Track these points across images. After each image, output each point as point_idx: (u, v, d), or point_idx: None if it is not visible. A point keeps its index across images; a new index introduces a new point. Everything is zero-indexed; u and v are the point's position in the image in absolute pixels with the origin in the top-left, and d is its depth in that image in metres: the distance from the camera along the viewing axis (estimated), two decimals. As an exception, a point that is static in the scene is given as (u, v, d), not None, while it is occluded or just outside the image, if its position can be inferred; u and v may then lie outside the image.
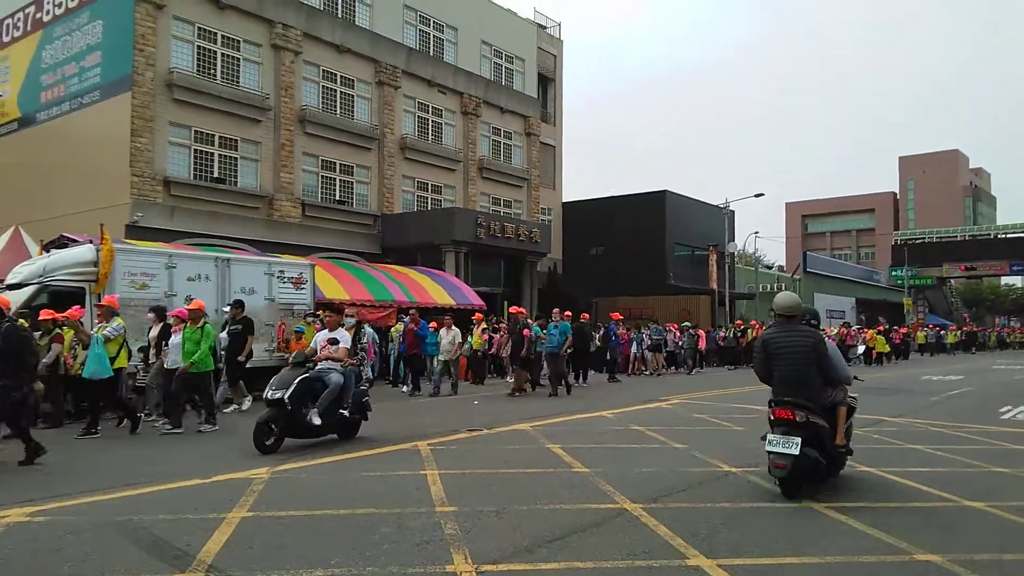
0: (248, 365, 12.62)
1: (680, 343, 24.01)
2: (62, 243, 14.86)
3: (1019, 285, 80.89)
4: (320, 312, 14.00)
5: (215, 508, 5.76)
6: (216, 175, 22.79)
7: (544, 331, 16.28)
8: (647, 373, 21.68)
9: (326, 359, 8.98)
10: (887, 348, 32.18)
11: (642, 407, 13.31)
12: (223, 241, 21.94)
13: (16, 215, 21.11)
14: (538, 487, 6.72)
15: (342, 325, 9.53)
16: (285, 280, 14.50)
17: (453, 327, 15.93)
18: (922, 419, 11.97)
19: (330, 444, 8.88)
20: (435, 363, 16.07)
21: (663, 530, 5.29)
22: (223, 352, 12.05)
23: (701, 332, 25.90)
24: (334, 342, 9.08)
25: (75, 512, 5.68)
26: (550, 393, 15.44)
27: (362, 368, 9.55)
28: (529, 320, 18.02)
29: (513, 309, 16.70)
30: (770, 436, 6.48)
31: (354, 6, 27.64)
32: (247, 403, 12.51)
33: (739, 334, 28.88)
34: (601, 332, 19.87)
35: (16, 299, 11.08)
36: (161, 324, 11.21)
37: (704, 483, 6.96)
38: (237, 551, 4.75)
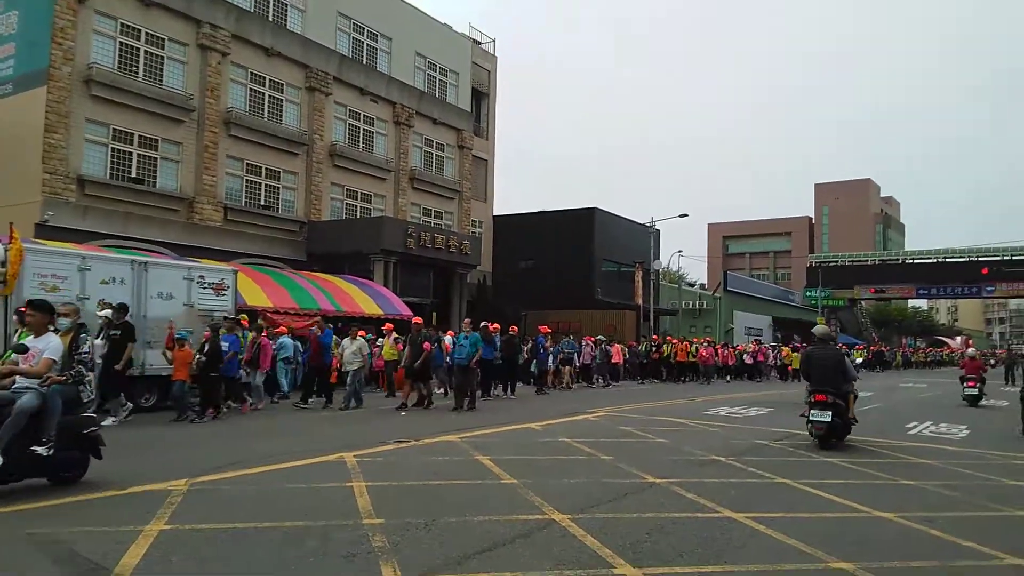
0: (136, 373, 12.50)
1: (594, 356, 24.27)
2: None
3: (924, 308, 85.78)
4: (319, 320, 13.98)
5: (131, 521, 5.50)
6: (134, 175, 21.93)
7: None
8: (561, 386, 21.72)
9: (14, 375, 6.71)
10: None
11: (569, 419, 13.46)
12: (139, 243, 21.13)
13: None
14: (467, 498, 6.71)
15: (52, 328, 7.07)
16: (206, 286, 14.03)
17: (358, 337, 15.50)
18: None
19: (252, 456, 8.62)
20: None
21: (591, 540, 5.36)
22: (99, 360, 11.25)
23: (616, 347, 26.27)
24: (21, 350, 6.84)
25: (-25, 526, 5.34)
26: (453, 407, 14.77)
27: (82, 388, 7.17)
28: (430, 331, 17.88)
29: (415, 320, 16.15)
30: (811, 411, 10.44)
31: (286, 10, 27.19)
32: (124, 413, 11.88)
33: (653, 349, 29.38)
34: (529, 345, 19.99)
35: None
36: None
37: (630, 494, 7.08)
38: (155, 566, 4.56)
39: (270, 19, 26.43)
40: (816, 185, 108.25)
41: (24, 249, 11.36)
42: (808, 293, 65.73)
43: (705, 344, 29.76)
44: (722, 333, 46.87)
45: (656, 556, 5.05)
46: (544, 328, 20.63)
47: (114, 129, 21.54)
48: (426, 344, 14.92)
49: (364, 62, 30.12)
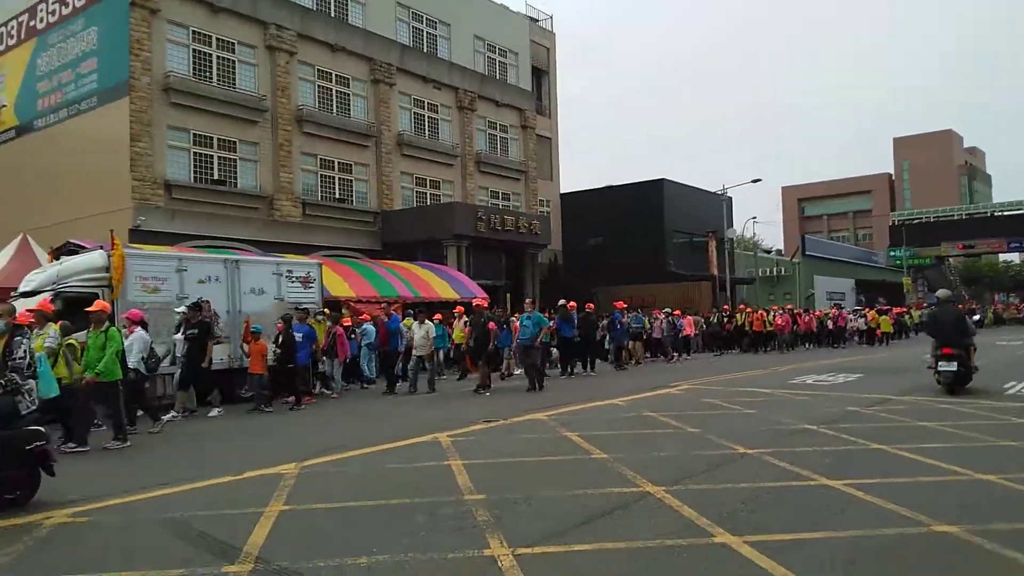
0: (235, 366, 12.97)
1: (662, 330, 23.77)
2: (69, 249, 14.94)
3: (1017, 262, 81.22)
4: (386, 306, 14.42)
5: (252, 503, 5.92)
6: (216, 177, 22.88)
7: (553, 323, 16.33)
8: (631, 362, 21.31)
9: None
10: (891, 328, 32.35)
11: (652, 394, 13.50)
12: (224, 242, 22.05)
13: (20, 223, 21.15)
14: (561, 474, 6.89)
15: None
16: (293, 280, 14.63)
17: (427, 321, 15.34)
18: (927, 396, 12.15)
19: (352, 440, 9.04)
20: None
21: (687, 511, 5.45)
22: (182, 357, 11.74)
23: (688, 319, 25.58)
24: None
25: (114, 511, 5.84)
26: (528, 387, 14.66)
27: (19, 398, 6.49)
28: (497, 311, 17.85)
29: (476, 302, 16.02)
30: (939, 363, 12.29)
31: (347, 5, 27.67)
32: (215, 409, 12.19)
33: (725, 319, 28.47)
34: (606, 321, 19.98)
35: (30, 306, 11.17)
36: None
37: (722, 465, 7.13)
38: (280, 543, 4.91)
39: (332, 15, 26.97)
40: (895, 139, 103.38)
41: (125, 254, 12.09)
42: (892, 253, 63.16)
43: (780, 312, 28.87)
44: (802, 299, 45.62)
45: (754, 525, 5.11)
46: (620, 304, 20.58)
47: (194, 134, 22.49)
48: (491, 324, 14.83)
49: (425, 50, 30.42)
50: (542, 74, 38.00)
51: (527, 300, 16.22)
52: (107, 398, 9.17)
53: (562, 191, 38.66)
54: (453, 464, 7.29)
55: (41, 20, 24.73)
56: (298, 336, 13.09)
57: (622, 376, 18.11)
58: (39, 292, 11.98)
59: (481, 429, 9.64)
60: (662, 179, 37.46)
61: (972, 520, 5.06)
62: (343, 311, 17.61)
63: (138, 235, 20.10)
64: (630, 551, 4.63)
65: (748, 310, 28.93)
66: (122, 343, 9.38)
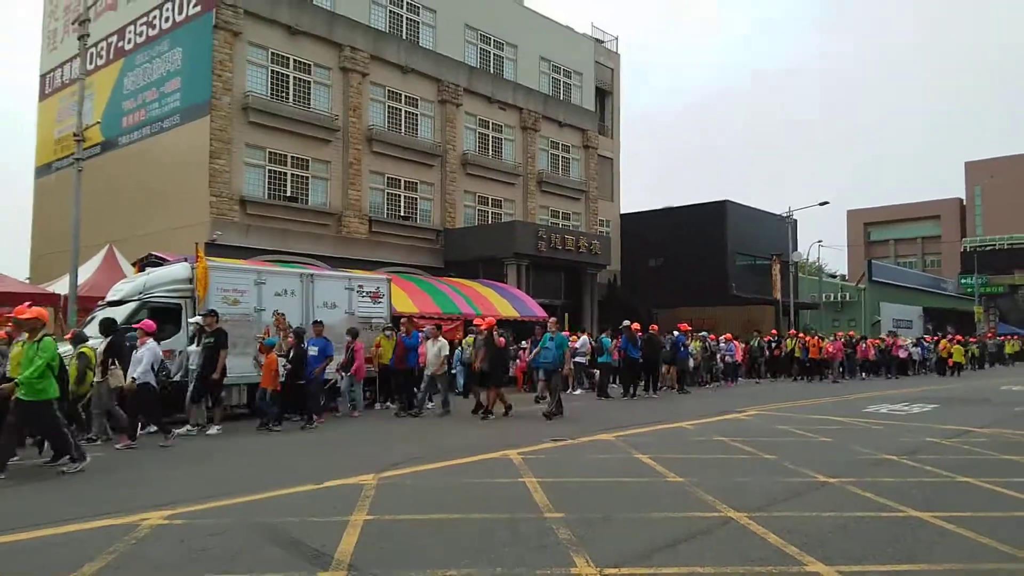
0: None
1: (726, 353, 22.95)
2: (151, 261, 15.61)
3: (1098, 292, 77.15)
4: (405, 322, 14.39)
5: (337, 511, 6.06)
6: (289, 194, 23.60)
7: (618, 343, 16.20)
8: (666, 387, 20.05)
9: None
10: (963, 359, 31.11)
11: (719, 418, 13.30)
12: (295, 257, 22.67)
13: (106, 234, 22.20)
14: (638, 495, 6.86)
15: None
16: (364, 294, 14.96)
17: (440, 338, 14.12)
18: (1011, 429, 11.66)
19: (427, 452, 9.17)
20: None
21: (773, 538, 5.37)
22: (194, 368, 11.34)
23: (737, 344, 24.36)
24: None
25: (208, 515, 6.05)
26: (547, 411, 13.33)
27: None
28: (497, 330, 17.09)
29: (478, 320, 14.59)
30: None
31: (418, 28, 28.33)
32: (214, 429, 11.30)
33: (774, 345, 27.12)
34: (669, 343, 19.76)
35: (118, 315, 11.73)
36: (107, 340, 10.31)
37: (803, 493, 6.99)
38: (369, 551, 5.03)
39: (404, 37, 27.64)
40: (967, 163, 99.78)
41: (209, 267, 12.57)
42: (963, 280, 60.84)
43: (833, 338, 27.58)
44: (868, 326, 44.27)
45: (846, 554, 5.00)
46: (683, 326, 20.37)
47: (270, 152, 23.28)
48: (501, 340, 13.81)
49: (491, 71, 30.88)
50: (606, 94, 38.12)
51: (551, 320, 15.01)
52: (33, 419, 8.04)
53: (622, 211, 38.56)
54: (528, 482, 7.32)
55: (129, 41, 25.99)
56: (313, 351, 12.55)
57: (685, 399, 17.88)
58: (126, 302, 12.53)
59: (550, 448, 9.66)
60: (724, 201, 37.01)
61: (1080, 561, 4.85)
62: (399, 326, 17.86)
63: (214, 249, 20.79)
64: (719, 576, 4.59)
65: (800, 335, 27.73)
66: (55, 356, 7.93)
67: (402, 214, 27.01)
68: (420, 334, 14.39)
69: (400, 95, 27.31)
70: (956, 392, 20.35)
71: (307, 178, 24.26)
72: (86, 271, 15.85)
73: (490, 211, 30.40)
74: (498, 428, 12.17)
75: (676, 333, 20.25)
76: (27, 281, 19.12)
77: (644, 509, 6.25)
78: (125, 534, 5.43)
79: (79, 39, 16.43)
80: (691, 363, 21.37)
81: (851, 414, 14.10)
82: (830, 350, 26.29)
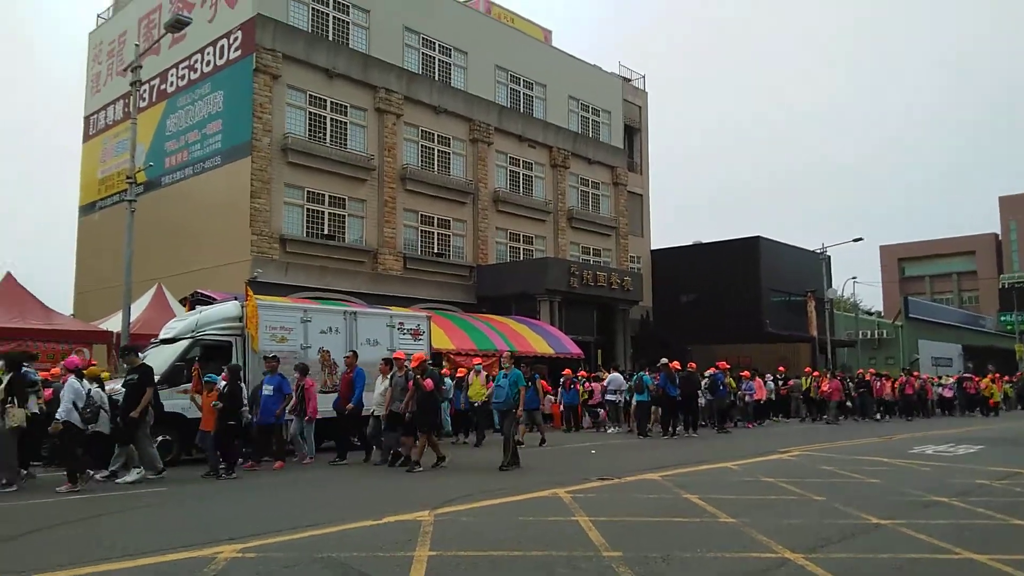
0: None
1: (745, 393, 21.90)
2: (197, 299, 16.03)
3: None
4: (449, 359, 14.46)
5: (400, 547, 6.18)
6: (326, 232, 24.11)
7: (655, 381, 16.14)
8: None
9: None
10: (999, 397, 30.39)
11: (763, 459, 13.21)
12: (332, 294, 23.09)
13: (148, 272, 22.74)
14: (692, 535, 6.88)
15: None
16: (405, 332, 15.22)
17: (391, 375, 12.19)
18: (1065, 472, 11.43)
19: (477, 491, 9.26)
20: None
21: (836, 579, 5.37)
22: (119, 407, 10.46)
23: (758, 381, 23.06)
24: None
25: (277, 549, 6.20)
26: (501, 465, 11.53)
27: None
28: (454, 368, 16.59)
29: (402, 354, 12.87)
30: None
31: (450, 69, 29.03)
32: (133, 474, 10.36)
33: (781, 382, 25.49)
34: (707, 381, 19.65)
35: (171, 352, 12.07)
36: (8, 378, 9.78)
37: (857, 535, 6.95)
38: (438, 588, 5.12)
39: (436, 79, 28.33)
40: (1000, 198, 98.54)
41: (258, 305, 12.90)
42: (1003, 318, 59.70)
43: (830, 376, 25.41)
44: (905, 364, 43.58)
45: (912, 597, 4.99)
46: (723, 364, 20.30)
47: (308, 191, 23.87)
48: (427, 381, 11.53)
49: (521, 110, 31.45)
50: (634, 132, 38.56)
51: (504, 353, 13.19)
52: None
53: (653, 247, 38.68)
54: (581, 520, 7.37)
55: (171, 84, 26.92)
56: (268, 390, 11.76)
57: (725, 439, 17.75)
58: (178, 339, 12.88)
59: (597, 487, 9.69)
60: (757, 236, 37.00)
61: None
62: (443, 363, 18.06)
63: (255, 287, 21.13)
64: (787, 617, 4.61)
65: (815, 373, 26.28)
66: None
67: (435, 251, 27.40)
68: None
69: (433, 135, 27.90)
70: (1001, 433, 19.96)
71: (344, 216, 24.78)
72: (136, 308, 16.28)
73: (521, 248, 30.71)
74: (542, 467, 12.20)
75: (714, 370, 20.17)
76: (71, 317, 19.62)
77: (701, 549, 6.27)
78: (204, 567, 5.59)
79: (131, 84, 17.11)
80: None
81: (896, 455, 13.92)
82: (825, 389, 24.39)
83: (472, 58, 29.64)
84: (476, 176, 28.96)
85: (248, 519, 7.81)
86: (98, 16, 32.29)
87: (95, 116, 30.63)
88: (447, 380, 16.45)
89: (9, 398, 9.66)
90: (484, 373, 16.29)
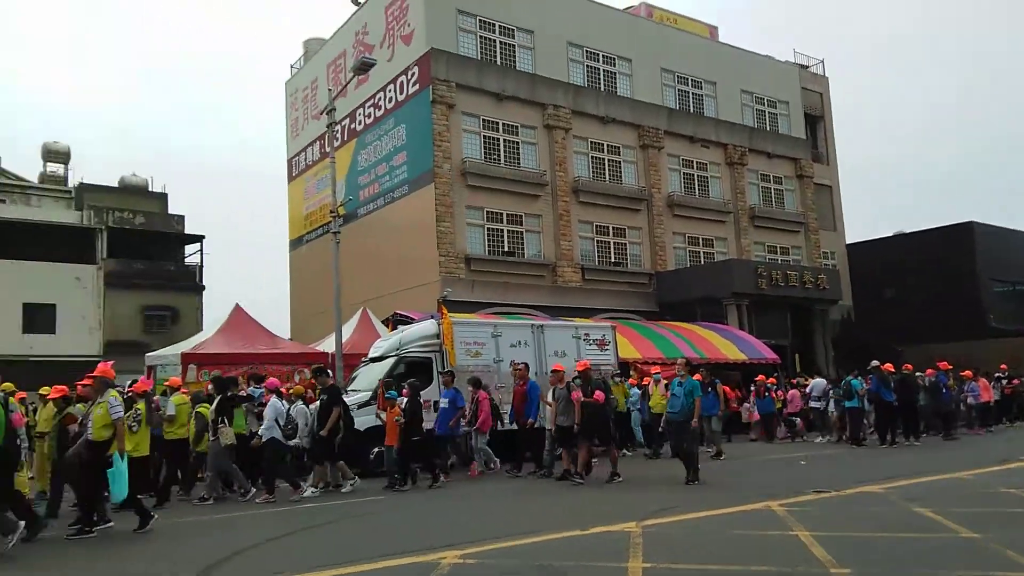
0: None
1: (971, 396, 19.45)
2: (397, 320, 17.10)
3: None
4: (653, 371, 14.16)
5: (612, 557, 6.17)
6: (506, 249, 24.85)
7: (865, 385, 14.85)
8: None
9: None
10: None
11: (1001, 468, 11.79)
12: (515, 308, 23.68)
13: (350, 297, 24.52)
14: (930, 552, 6.26)
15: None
16: (591, 342, 15.29)
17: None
18: None
19: (683, 502, 9.06)
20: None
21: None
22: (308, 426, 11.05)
23: (982, 382, 20.31)
24: None
25: (494, 556, 6.43)
26: (687, 479, 10.84)
27: None
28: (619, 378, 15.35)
29: (561, 367, 12.28)
30: None
31: (615, 78, 28.94)
32: (348, 485, 11.13)
33: (1005, 381, 22.22)
34: (928, 384, 17.70)
35: (380, 370, 12.95)
36: (218, 399, 10.69)
37: None
38: (659, 601, 5.04)
39: (602, 89, 28.35)
40: None
41: (452, 323, 13.54)
42: None
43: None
44: None
45: None
46: (944, 364, 18.38)
47: (487, 211, 24.75)
48: (598, 393, 11.45)
49: (691, 111, 30.64)
50: (816, 120, 36.25)
51: (679, 360, 12.51)
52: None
53: (848, 241, 36.01)
54: (801, 534, 6.95)
55: (359, 123, 29.03)
56: (444, 403, 12.15)
57: (952, 447, 16.05)
58: (385, 357, 13.82)
59: (813, 500, 9.10)
60: (971, 222, 33.30)
61: None
62: (631, 373, 17.87)
63: (446, 305, 22.24)
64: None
65: None
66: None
67: (612, 260, 27.32)
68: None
69: (602, 145, 27.93)
70: None
71: (521, 233, 25.41)
72: (346, 331, 17.66)
73: (702, 251, 29.82)
74: (747, 479, 11.70)
75: (932, 372, 18.26)
76: (291, 341, 21.67)
77: (939, 566, 5.70)
78: (431, 571, 5.92)
79: (327, 127, 18.71)
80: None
81: None
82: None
83: (637, 64, 29.35)
84: (649, 182, 28.56)
85: (462, 527, 8.18)
86: (291, 66, 35.60)
87: (296, 158, 33.72)
88: (634, 390, 16.37)
89: (221, 419, 10.51)
90: (663, 382, 15.80)
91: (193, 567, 6.51)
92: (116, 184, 35.71)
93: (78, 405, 9.51)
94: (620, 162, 28.43)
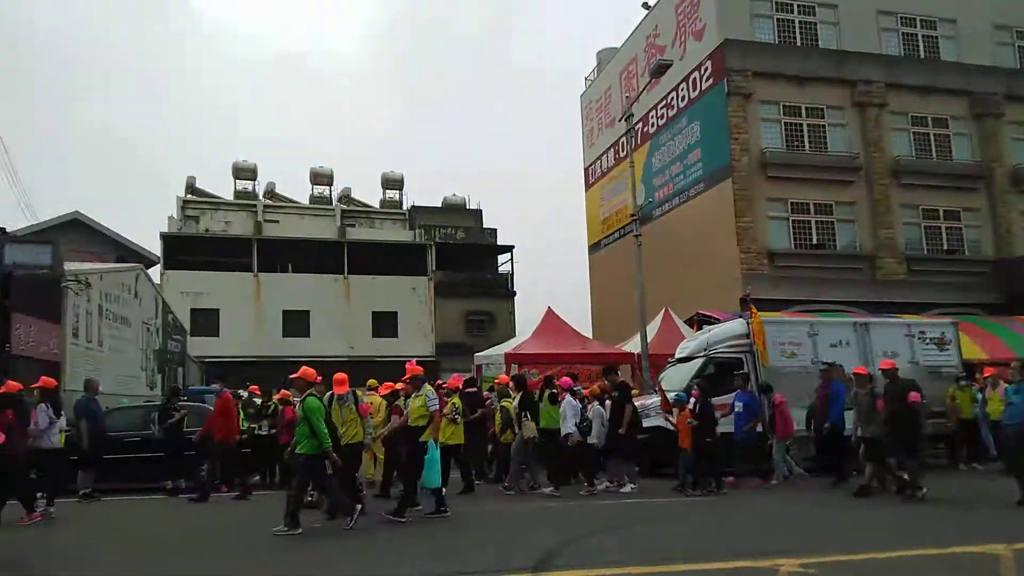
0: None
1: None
2: (702, 319, 16.98)
3: None
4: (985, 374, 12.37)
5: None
6: (815, 241, 23.28)
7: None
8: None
9: None
10: None
11: None
12: (825, 305, 22.03)
13: (652, 298, 24.85)
14: None
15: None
16: (927, 341, 13.74)
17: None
18: None
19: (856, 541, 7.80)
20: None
21: None
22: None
23: None
24: None
25: (836, 569, 6.15)
26: (1018, 501, 9.05)
27: None
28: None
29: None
30: None
31: (937, 43, 25.65)
32: (628, 487, 11.10)
33: None
34: None
35: (688, 370, 13.00)
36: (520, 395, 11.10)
37: None
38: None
39: (922, 57, 25.28)
40: None
41: (763, 322, 13.11)
42: None
43: None
44: None
45: None
46: None
47: (791, 203, 23.43)
48: (913, 395, 9.96)
49: (1040, 69, 25.96)
50: None
51: (1012, 363, 10.44)
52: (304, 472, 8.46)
53: None
54: None
55: (652, 125, 29.25)
56: (738, 406, 11.72)
57: None
58: (692, 358, 13.84)
59: None
60: None
61: None
62: (975, 376, 15.67)
63: (745, 303, 21.62)
64: None
65: None
66: (320, 412, 8.27)
67: (945, 248, 24.18)
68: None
69: (925, 118, 24.91)
70: None
71: (832, 223, 23.64)
72: (649, 331, 17.99)
73: (1060, 231, 25.09)
74: None
75: None
76: (597, 342, 22.57)
77: None
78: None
79: (625, 132, 19.24)
80: None
81: None
82: None
83: (962, 24, 25.64)
84: (986, 156, 24.78)
85: (795, 535, 7.91)
86: (585, 79, 37.01)
87: (592, 167, 35.01)
88: (978, 396, 14.39)
89: (524, 413, 11.05)
90: (1004, 385, 13.48)
91: (526, 557, 6.52)
92: (439, 204, 40.38)
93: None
94: (949, 135, 25.11)
